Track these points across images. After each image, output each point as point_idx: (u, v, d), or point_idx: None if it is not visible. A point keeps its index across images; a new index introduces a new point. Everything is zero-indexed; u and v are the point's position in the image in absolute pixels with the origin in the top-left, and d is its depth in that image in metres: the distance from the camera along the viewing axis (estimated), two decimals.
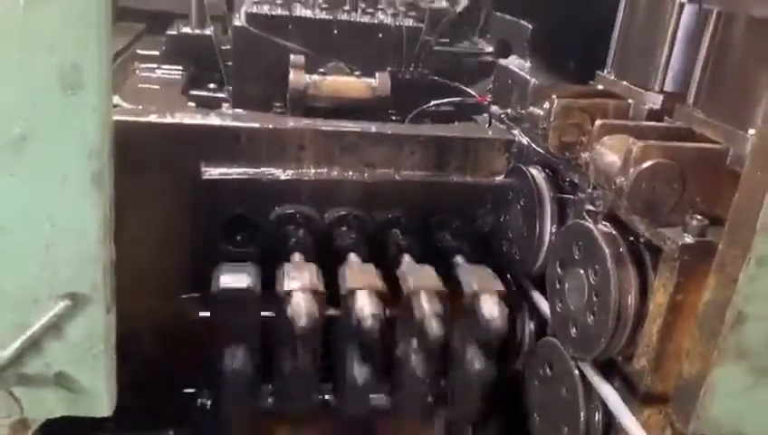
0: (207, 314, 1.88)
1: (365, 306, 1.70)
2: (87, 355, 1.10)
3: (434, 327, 1.67)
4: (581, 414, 1.61)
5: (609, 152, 1.48)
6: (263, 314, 1.87)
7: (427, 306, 1.73)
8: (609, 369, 1.60)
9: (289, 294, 1.72)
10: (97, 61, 0.89)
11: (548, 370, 1.78)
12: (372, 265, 1.90)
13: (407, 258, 1.96)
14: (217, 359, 1.82)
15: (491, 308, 1.74)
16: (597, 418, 1.60)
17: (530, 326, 2.01)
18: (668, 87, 1.69)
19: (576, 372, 1.64)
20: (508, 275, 2.10)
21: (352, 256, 1.94)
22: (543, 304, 1.86)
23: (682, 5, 1.61)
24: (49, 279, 1.02)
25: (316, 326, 1.71)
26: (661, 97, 1.68)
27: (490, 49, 3.04)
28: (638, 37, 1.76)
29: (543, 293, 1.88)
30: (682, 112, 1.58)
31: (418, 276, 1.83)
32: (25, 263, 1.01)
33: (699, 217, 1.38)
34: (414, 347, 1.86)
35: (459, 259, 2.01)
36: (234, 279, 1.81)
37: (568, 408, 1.67)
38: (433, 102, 2.48)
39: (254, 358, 1.83)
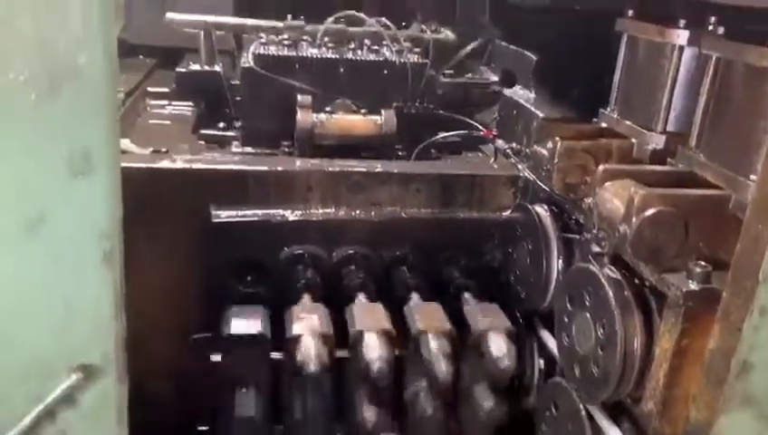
0: (218, 358, 1.89)
1: (373, 350, 1.72)
2: (100, 424, 1.12)
3: (442, 369, 1.68)
4: None
5: (612, 198, 1.49)
6: (273, 355, 1.90)
7: (434, 348, 1.75)
8: (617, 410, 1.61)
9: (298, 338, 1.74)
10: (105, 146, 0.92)
11: (556, 410, 1.79)
12: (380, 304, 1.92)
13: (414, 297, 1.98)
14: (228, 404, 1.84)
15: (499, 347, 1.76)
16: None
17: (539, 363, 2.02)
18: (671, 126, 1.71)
19: (584, 413, 1.64)
20: (517, 313, 2.11)
21: (360, 296, 1.96)
22: (551, 343, 1.87)
23: (682, 48, 1.63)
24: (63, 353, 1.05)
25: (325, 370, 1.73)
26: (664, 138, 1.69)
27: (495, 78, 3.06)
28: (640, 78, 1.78)
29: (552, 330, 1.88)
30: (684, 155, 1.59)
31: (425, 316, 1.85)
32: (41, 338, 1.05)
33: (703, 263, 1.39)
34: (423, 386, 1.87)
35: (467, 296, 2.03)
36: (245, 324, 1.83)
37: None
38: (438, 136, 2.51)
39: (265, 403, 1.85)
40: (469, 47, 2.97)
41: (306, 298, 1.96)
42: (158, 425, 2.15)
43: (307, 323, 1.80)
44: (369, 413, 1.81)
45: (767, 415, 1.32)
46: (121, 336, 1.08)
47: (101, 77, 0.88)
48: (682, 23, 1.62)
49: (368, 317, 1.85)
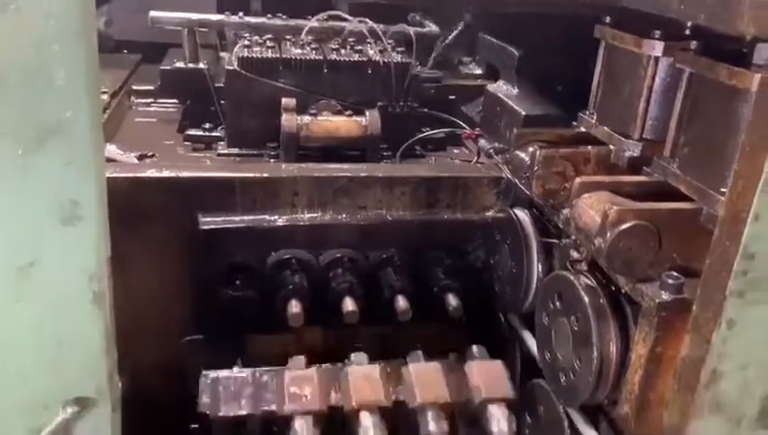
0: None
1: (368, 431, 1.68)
2: None
3: None
4: None
5: (588, 211, 1.54)
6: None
7: (433, 428, 1.70)
8: (596, 412, 1.67)
9: (290, 419, 1.71)
10: (93, 194, 0.95)
11: (537, 410, 1.85)
12: (377, 369, 1.85)
13: (400, 301, 2.01)
14: None
15: (500, 423, 1.72)
16: None
17: (519, 362, 2.08)
18: (648, 134, 1.74)
19: (564, 416, 1.71)
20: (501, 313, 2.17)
21: (354, 358, 1.92)
22: (532, 343, 1.92)
23: (657, 59, 1.66)
24: (58, 388, 1.10)
25: None
26: (640, 145, 1.73)
27: (479, 71, 3.09)
28: (617, 85, 1.81)
29: (533, 330, 1.94)
30: (658, 165, 1.63)
31: (425, 385, 1.78)
32: (36, 376, 1.09)
33: (675, 274, 1.44)
34: None
35: (474, 350, 1.97)
36: (231, 404, 1.77)
37: None
38: (421, 135, 2.54)
39: None
40: (450, 36, 2.98)
41: (294, 305, 1.99)
42: (152, 423, 2.21)
43: (300, 399, 1.74)
44: None
45: (736, 417, 1.39)
46: (113, 370, 1.13)
47: (87, 131, 0.91)
48: (657, 34, 1.64)
49: (363, 389, 1.77)
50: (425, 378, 1.80)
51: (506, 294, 2.04)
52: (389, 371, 1.86)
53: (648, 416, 1.54)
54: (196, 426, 2.21)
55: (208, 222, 2.04)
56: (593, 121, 1.91)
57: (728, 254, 1.27)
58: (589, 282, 1.60)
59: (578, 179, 1.61)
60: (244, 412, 1.76)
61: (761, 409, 1.39)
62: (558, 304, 1.66)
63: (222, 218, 2.05)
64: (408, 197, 2.16)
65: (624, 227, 1.43)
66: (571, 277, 1.61)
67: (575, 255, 1.72)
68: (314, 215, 2.12)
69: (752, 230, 1.23)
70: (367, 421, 1.68)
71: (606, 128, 1.85)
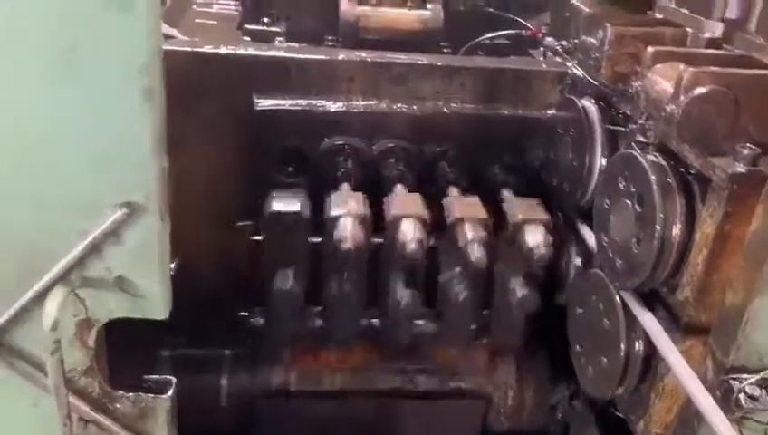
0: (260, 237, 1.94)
1: (409, 232, 1.75)
2: (144, 261, 1.18)
3: (475, 252, 1.70)
4: (622, 345, 1.62)
5: (661, 80, 1.45)
6: (312, 240, 1.95)
7: (470, 233, 1.77)
8: (652, 300, 1.60)
9: (336, 219, 1.78)
10: None
11: (591, 300, 1.79)
12: (418, 194, 1.94)
13: (453, 191, 1.98)
14: (268, 281, 1.90)
15: (535, 237, 1.77)
16: (638, 348, 1.61)
17: (576, 260, 2.01)
18: (730, 14, 1.63)
19: (618, 301, 1.64)
20: (558, 211, 2.10)
21: (399, 187, 1.97)
22: (590, 238, 1.85)
23: None
24: (108, 189, 1.11)
25: (361, 250, 1.77)
26: (721, 25, 1.61)
27: None
28: None
29: (591, 226, 1.87)
30: (742, 39, 1.52)
31: (463, 206, 1.87)
32: (85, 174, 1.10)
33: (751, 145, 1.34)
34: (458, 275, 1.89)
35: (507, 193, 2.01)
36: (284, 204, 1.89)
37: (609, 338, 1.68)
38: (486, 36, 2.45)
39: (303, 279, 1.91)
40: None
41: (345, 187, 1.98)
42: (202, 309, 2.24)
43: (345, 206, 1.83)
44: (403, 295, 1.84)
45: None
46: (162, 176, 1.12)
47: None
48: None
49: (405, 204, 1.88)
50: (463, 203, 1.91)
51: (565, 188, 1.97)
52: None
53: (708, 300, 1.46)
54: (245, 314, 2.25)
55: (263, 103, 2.02)
56: (672, 6, 1.80)
57: None
58: (656, 159, 1.51)
59: (650, 48, 1.51)
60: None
61: None
62: (622, 184, 1.58)
63: (277, 100, 2.03)
64: (468, 89, 2.09)
65: (700, 91, 1.34)
66: (638, 155, 1.53)
67: (642, 139, 1.62)
68: (370, 102, 2.08)
69: None
70: (407, 226, 1.75)
71: (685, 10, 1.74)
